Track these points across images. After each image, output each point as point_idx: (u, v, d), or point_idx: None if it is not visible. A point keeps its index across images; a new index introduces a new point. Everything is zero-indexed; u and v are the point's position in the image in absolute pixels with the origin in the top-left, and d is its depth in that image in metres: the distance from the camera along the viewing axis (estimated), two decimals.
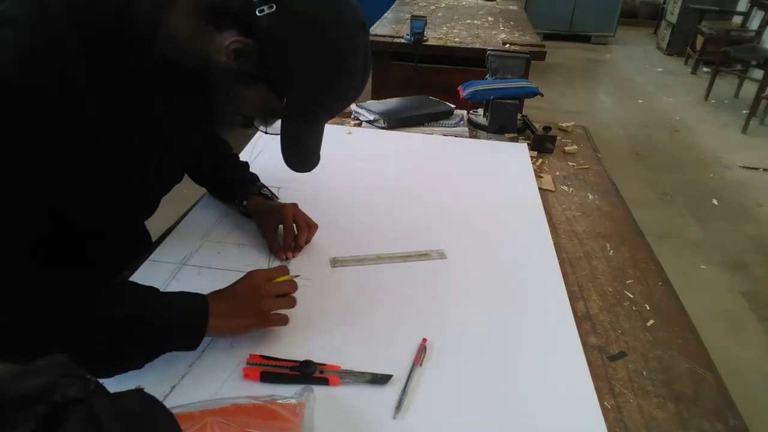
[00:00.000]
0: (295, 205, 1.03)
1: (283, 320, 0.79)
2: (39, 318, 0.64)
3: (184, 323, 0.71)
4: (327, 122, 0.82)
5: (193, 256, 0.97)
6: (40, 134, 0.62)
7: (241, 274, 0.80)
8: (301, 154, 0.81)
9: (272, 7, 0.66)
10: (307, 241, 1.01)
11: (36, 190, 0.65)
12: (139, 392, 0.45)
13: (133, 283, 0.73)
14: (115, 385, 0.66)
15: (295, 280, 0.81)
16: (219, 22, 0.67)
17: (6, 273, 0.63)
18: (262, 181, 1.11)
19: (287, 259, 0.97)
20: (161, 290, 0.74)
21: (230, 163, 1.13)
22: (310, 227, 1.02)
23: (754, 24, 5.47)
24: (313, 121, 0.79)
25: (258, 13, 0.66)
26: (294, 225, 1.01)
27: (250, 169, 1.13)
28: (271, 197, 1.09)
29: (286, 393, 0.66)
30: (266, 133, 1.13)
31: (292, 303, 0.80)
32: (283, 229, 1.00)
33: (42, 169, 0.64)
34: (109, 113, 0.68)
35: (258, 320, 0.77)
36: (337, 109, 0.79)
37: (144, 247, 1.00)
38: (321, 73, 0.71)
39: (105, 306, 0.68)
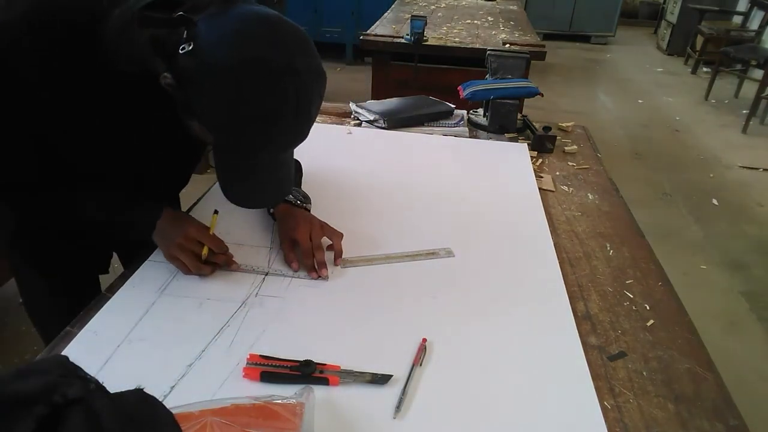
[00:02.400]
0: (313, 224, 0.99)
1: (183, 269, 0.90)
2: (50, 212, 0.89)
3: (142, 222, 0.92)
4: (271, 160, 0.77)
5: None
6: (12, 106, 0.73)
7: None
8: (243, 188, 0.79)
9: (190, 45, 0.65)
10: (318, 262, 0.94)
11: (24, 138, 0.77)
12: (139, 392, 0.45)
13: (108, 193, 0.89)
14: (115, 385, 0.66)
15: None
16: (158, 54, 0.68)
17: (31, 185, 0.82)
18: None
19: (318, 277, 0.93)
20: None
21: None
22: (317, 249, 0.96)
23: (754, 24, 5.47)
24: (244, 158, 0.75)
25: (180, 51, 0.65)
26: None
27: None
28: (295, 203, 1.03)
29: (286, 393, 0.66)
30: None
31: (196, 268, 0.90)
32: (300, 247, 0.96)
33: (23, 127, 0.76)
34: (71, 107, 0.75)
35: (166, 254, 0.91)
36: (268, 150, 0.75)
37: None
38: (234, 116, 0.68)
39: (89, 210, 0.89)
